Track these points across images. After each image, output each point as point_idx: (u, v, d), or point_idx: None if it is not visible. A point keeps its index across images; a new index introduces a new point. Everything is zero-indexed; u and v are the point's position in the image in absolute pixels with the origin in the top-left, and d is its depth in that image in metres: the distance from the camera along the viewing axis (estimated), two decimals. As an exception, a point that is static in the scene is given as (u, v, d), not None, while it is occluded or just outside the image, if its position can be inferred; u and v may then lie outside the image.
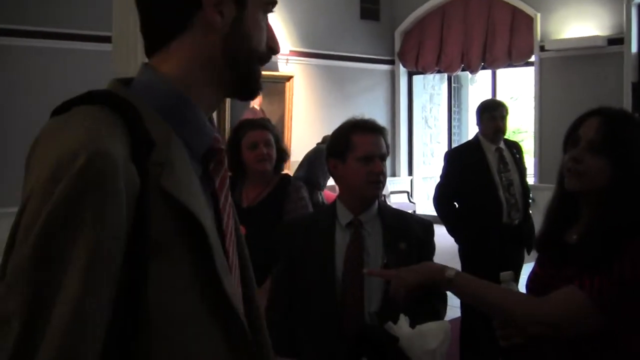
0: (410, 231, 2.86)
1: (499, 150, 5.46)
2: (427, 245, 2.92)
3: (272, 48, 1.42)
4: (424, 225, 2.96)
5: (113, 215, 1.11)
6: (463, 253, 5.48)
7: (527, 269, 5.51)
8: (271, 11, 1.41)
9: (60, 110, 1.22)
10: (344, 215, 2.86)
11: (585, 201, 2.21)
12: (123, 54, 5.87)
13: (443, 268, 2.22)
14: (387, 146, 2.89)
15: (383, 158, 2.83)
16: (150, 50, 1.35)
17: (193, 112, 1.31)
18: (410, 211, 8.27)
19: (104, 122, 1.16)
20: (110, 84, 1.29)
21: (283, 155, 3.97)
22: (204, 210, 1.26)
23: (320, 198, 8.99)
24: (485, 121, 5.49)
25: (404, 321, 2.41)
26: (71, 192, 1.08)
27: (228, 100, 9.63)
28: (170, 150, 1.22)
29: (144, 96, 1.26)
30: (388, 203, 7.51)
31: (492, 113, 5.47)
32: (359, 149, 2.80)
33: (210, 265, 1.24)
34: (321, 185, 9.10)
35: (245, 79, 1.39)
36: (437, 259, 2.96)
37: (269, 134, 3.88)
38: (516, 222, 5.35)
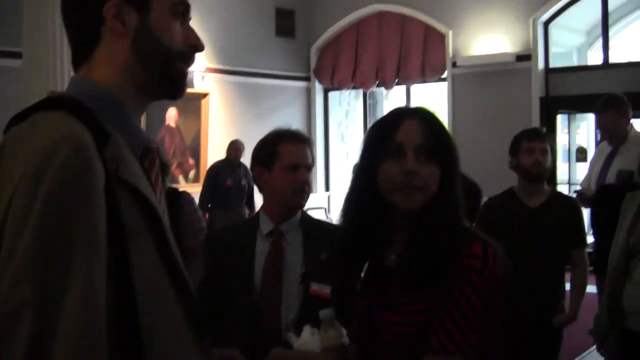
0: (332, 242, 2.88)
1: None
2: None
3: (194, 46, 1.51)
4: None
5: (99, 197, 1.22)
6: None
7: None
8: (183, 13, 1.50)
9: (17, 119, 1.32)
10: (265, 225, 2.87)
11: (402, 214, 1.92)
12: (33, 70, 5.77)
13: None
14: (313, 158, 2.90)
15: (308, 168, 2.85)
16: (76, 64, 1.47)
17: (127, 114, 1.42)
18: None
19: (69, 121, 1.27)
20: (50, 95, 1.39)
21: (164, 168, 3.87)
22: (155, 199, 1.40)
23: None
24: None
25: (307, 332, 2.41)
26: (63, 178, 1.18)
27: (144, 116, 9.51)
28: (120, 148, 1.33)
29: (86, 102, 1.35)
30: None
31: None
32: (285, 158, 2.82)
33: (166, 244, 1.37)
34: (206, 205, 8.81)
35: (164, 78, 1.48)
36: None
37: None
38: None
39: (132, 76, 1.43)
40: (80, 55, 1.45)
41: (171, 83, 1.49)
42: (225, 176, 8.92)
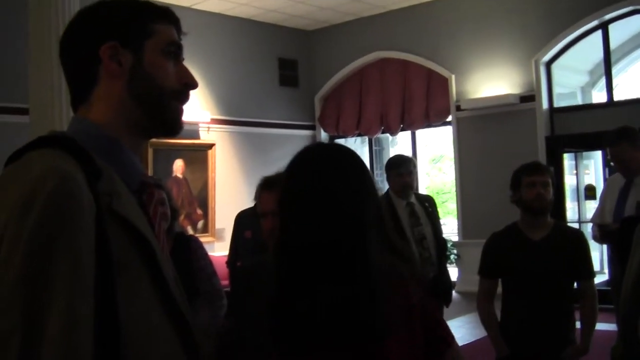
0: None
1: (410, 205, 5.53)
2: None
3: (187, 84, 1.56)
4: None
5: (86, 228, 1.24)
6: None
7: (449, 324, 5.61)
8: (175, 52, 1.56)
9: (14, 158, 1.36)
10: None
11: None
12: (41, 125, 5.81)
13: None
14: None
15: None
16: (75, 104, 1.53)
17: (122, 151, 1.48)
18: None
19: (60, 157, 1.30)
20: (50, 134, 1.43)
21: (174, 214, 3.88)
22: (149, 232, 1.42)
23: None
24: (393, 177, 5.58)
25: None
26: (49, 207, 1.22)
27: (151, 167, 9.55)
28: (114, 183, 1.37)
29: (82, 141, 1.39)
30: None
31: (398, 169, 5.56)
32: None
33: (160, 277, 1.39)
34: (232, 259, 7.62)
35: (158, 116, 1.53)
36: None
37: (162, 193, 3.73)
38: (431, 275, 5.39)
39: (128, 114, 1.49)
40: (79, 96, 1.52)
41: (167, 120, 1.55)
42: (245, 227, 7.28)
